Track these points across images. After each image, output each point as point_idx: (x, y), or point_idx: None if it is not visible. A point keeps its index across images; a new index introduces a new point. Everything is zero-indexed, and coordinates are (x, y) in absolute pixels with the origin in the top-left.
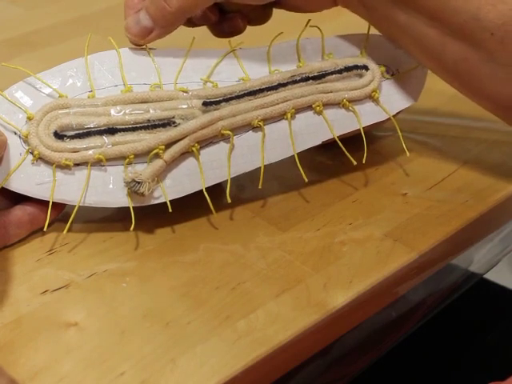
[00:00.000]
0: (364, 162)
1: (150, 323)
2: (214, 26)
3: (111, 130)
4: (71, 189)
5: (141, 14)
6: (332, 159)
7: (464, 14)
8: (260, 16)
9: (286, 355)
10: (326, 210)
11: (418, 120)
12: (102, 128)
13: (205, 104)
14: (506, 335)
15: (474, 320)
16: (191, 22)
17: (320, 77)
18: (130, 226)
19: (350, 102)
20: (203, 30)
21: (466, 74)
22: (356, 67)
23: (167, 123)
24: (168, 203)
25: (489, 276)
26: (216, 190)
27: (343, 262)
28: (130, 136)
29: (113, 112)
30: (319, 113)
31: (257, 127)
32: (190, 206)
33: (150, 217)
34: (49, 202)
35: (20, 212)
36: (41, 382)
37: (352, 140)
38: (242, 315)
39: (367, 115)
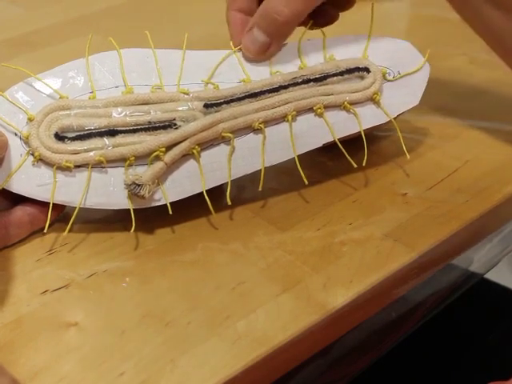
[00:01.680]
0: (364, 164)
1: (150, 323)
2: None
3: (112, 132)
4: (72, 190)
5: (254, 31)
6: (332, 159)
7: None
8: (349, 2)
9: (286, 355)
10: (326, 210)
11: (418, 120)
12: (103, 129)
13: (206, 106)
14: (506, 335)
15: (474, 320)
16: None
17: (321, 79)
18: (130, 226)
19: (351, 104)
20: (203, 30)
21: None
22: (357, 69)
23: (168, 125)
24: (168, 205)
25: (489, 276)
26: (216, 191)
27: (343, 261)
28: (130, 138)
29: (114, 113)
30: (320, 115)
31: (257, 129)
32: (189, 206)
33: (150, 217)
34: (49, 202)
35: (20, 212)
36: (41, 382)
37: (352, 140)
38: (242, 315)
39: (368, 118)
